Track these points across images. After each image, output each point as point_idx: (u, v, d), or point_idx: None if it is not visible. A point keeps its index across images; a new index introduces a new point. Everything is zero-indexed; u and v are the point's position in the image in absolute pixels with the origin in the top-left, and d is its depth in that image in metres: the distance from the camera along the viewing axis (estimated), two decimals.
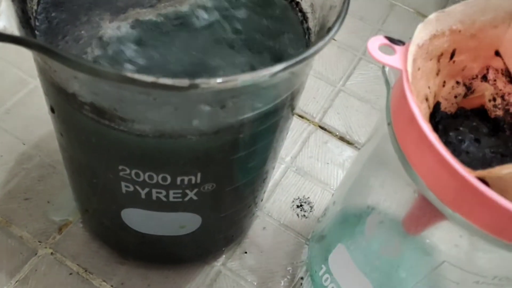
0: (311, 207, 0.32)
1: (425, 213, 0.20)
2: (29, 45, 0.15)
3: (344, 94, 0.39)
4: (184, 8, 0.21)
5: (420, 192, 0.19)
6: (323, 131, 0.36)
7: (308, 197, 0.33)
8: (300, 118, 0.37)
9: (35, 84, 0.35)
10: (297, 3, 0.23)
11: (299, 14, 0.22)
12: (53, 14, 0.20)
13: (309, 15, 0.22)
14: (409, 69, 0.17)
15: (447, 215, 0.18)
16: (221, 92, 0.16)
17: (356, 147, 0.36)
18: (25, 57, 0.35)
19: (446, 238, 0.19)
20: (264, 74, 0.15)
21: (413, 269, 0.21)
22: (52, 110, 0.19)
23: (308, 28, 0.22)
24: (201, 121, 0.17)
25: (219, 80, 0.15)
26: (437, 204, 0.17)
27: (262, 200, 0.30)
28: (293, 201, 0.32)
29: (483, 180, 0.17)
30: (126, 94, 0.16)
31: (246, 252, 0.30)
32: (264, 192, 0.28)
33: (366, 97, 0.39)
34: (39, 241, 0.28)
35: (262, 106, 0.18)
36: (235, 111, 0.17)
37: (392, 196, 0.20)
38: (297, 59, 0.16)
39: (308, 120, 0.37)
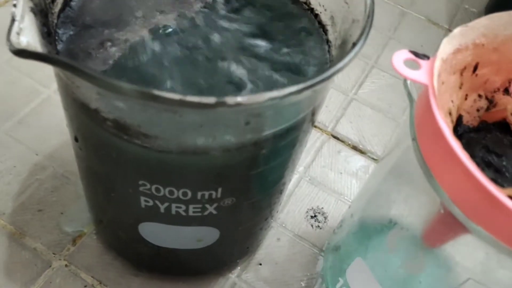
0: (325, 218, 0.32)
1: (448, 228, 0.19)
2: (54, 62, 0.15)
3: (357, 102, 0.39)
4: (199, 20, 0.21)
5: (445, 207, 0.18)
6: (336, 140, 0.36)
7: (322, 208, 0.33)
8: (313, 127, 0.37)
9: (48, 93, 0.35)
10: (316, 15, 0.22)
11: (318, 26, 0.22)
12: (72, 28, 0.20)
13: (328, 28, 0.22)
14: (435, 84, 0.17)
15: (472, 230, 0.17)
16: (247, 109, 0.16)
17: (369, 156, 0.36)
18: (37, 67, 0.34)
19: (472, 255, 0.18)
20: (291, 90, 0.15)
21: (436, 285, 0.21)
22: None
23: (328, 41, 0.22)
24: (225, 138, 0.17)
25: (245, 97, 0.14)
26: (462, 219, 0.17)
27: (277, 212, 0.30)
28: (307, 212, 0.32)
29: (509, 197, 0.17)
30: (151, 111, 0.16)
31: (260, 264, 0.30)
32: (280, 204, 0.27)
33: (379, 105, 0.39)
34: (53, 253, 0.28)
35: (285, 122, 0.18)
36: (259, 128, 0.17)
37: (416, 211, 0.20)
38: (324, 76, 0.15)
39: (321, 129, 0.37)
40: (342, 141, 0.36)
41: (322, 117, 0.37)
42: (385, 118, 0.38)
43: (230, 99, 0.14)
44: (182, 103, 0.14)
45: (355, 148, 0.36)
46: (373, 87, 0.40)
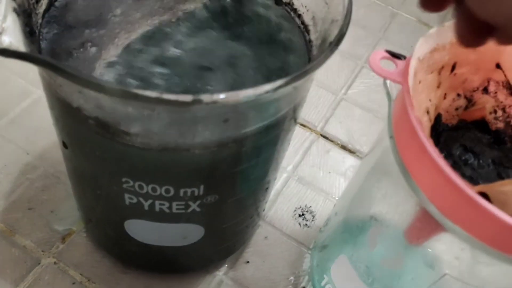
0: (313, 216, 0.32)
1: (426, 225, 0.20)
2: (36, 61, 0.15)
3: (346, 103, 0.39)
4: (183, 23, 0.21)
5: (421, 204, 0.19)
6: (325, 140, 0.37)
7: (310, 206, 0.33)
8: (302, 127, 0.37)
9: (39, 94, 0.35)
10: (299, 15, 0.23)
11: (301, 26, 0.23)
12: (57, 29, 0.20)
13: (310, 28, 0.22)
14: (410, 83, 0.17)
15: (447, 228, 0.18)
16: (224, 107, 0.16)
17: (358, 156, 0.36)
18: (29, 68, 0.35)
19: (448, 250, 0.19)
20: (266, 89, 0.15)
21: (415, 281, 0.21)
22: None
23: (310, 41, 0.22)
24: (204, 135, 0.17)
25: (221, 95, 0.15)
26: (438, 217, 0.18)
27: (264, 210, 0.30)
28: (295, 210, 0.33)
29: (483, 194, 0.17)
30: (130, 109, 0.16)
31: (248, 262, 0.30)
32: (266, 202, 0.28)
33: (368, 106, 0.39)
34: (43, 251, 0.28)
35: (265, 120, 0.18)
36: (237, 125, 0.17)
37: (395, 208, 0.21)
38: (298, 74, 0.16)
39: (310, 129, 0.37)
40: (331, 141, 0.37)
41: (311, 117, 0.38)
42: (374, 118, 0.38)
43: (207, 97, 0.15)
44: (159, 101, 0.14)
45: (344, 147, 0.36)
46: (363, 87, 0.40)
